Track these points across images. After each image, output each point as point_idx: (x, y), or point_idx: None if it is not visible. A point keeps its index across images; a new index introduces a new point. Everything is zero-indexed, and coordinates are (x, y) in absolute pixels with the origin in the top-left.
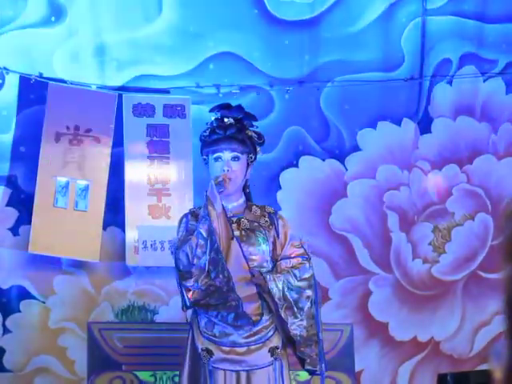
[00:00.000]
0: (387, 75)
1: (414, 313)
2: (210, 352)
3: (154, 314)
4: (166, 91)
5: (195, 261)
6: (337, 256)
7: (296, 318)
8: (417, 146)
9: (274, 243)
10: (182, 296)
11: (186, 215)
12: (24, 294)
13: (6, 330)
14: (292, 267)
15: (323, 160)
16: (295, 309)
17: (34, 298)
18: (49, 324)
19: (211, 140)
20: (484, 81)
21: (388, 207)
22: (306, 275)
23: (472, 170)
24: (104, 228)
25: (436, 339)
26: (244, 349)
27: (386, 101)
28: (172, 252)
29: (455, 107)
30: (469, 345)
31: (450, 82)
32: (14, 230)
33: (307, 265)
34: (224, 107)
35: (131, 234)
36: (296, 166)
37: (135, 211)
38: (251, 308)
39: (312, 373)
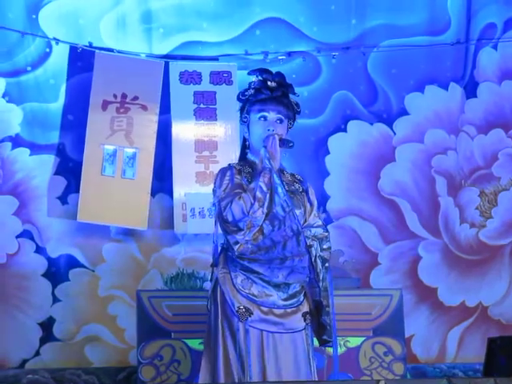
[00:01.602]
0: (434, 39)
1: (463, 278)
2: (248, 311)
3: (204, 281)
4: (214, 58)
5: (251, 213)
6: (386, 220)
7: (319, 285)
8: (463, 111)
9: (305, 209)
10: (216, 253)
11: (230, 168)
12: (73, 263)
13: (55, 299)
14: (314, 236)
15: (371, 124)
16: (320, 276)
17: (83, 266)
18: (98, 292)
19: (257, 99)
20: None
21: (436, 171)
22: (327, 246)
23: None
24: (152, 195)
25: (484, 304)
26: (281, 311)
27: (433, 65)
28: (214, 204)
29: (500, 71)
30: None
31: (495, 47)
32: (63, 199)
33: (328, 236)
34: (266, 71)
35: (179, 202)
36: (344, 130)
37: (183, 178)
38: None
39: (325, 343)
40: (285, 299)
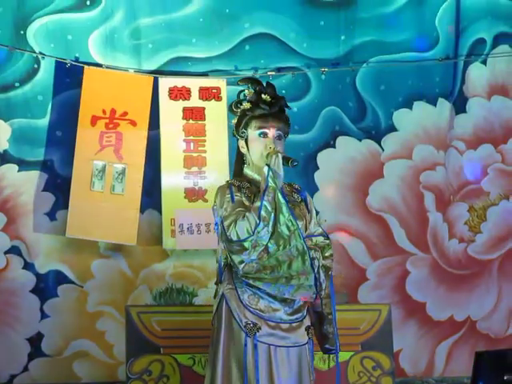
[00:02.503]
0: (422, 55)
1: (451, 292)
2: (256, 326)
3: (193, 296)
4: (203, 74)
5: (256, 233)
6: (374, 236)
7: (321, 296)
8: (452, 126)
9: (305, 219)
10: (220, 270)
11: (229, 186)
12: (62, 279)
13: (44, 315)
14: (315, 245)
15: (360, 140)
16: (323, 285)
17: (71, 282)
18: (87, 308)
19: (256, 115)
20: None
21: (424, 187)
22: (329, 253)
23: (507, 150)
24: (141, 211)
25: (473, 318)
26: (287, 325)
27: (422, 81)
28: (216, 223)
29: (490, 87)
30: (505, 324)
31: (484, 62)
32: (51, 215)
33: (330, 243)
34: (257, 82)
35: (168, 218)
36: (333, 146)
37: (172, 194)
38: None
39: (328, 351)
40: (290, 314)
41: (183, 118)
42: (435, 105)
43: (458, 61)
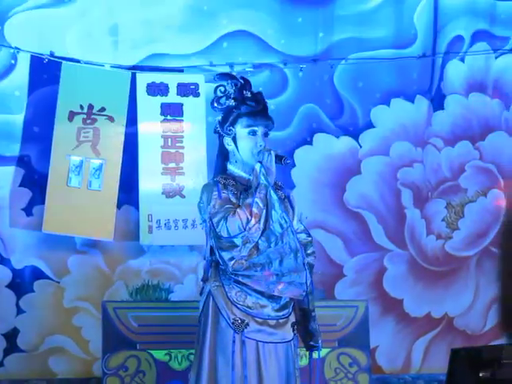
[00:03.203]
0: (400, 52)
1: (428, 289)
2: (244, 322)
3: (169, 292)
4: (180, 70)
5: (247, 229)
6: (351, 233)
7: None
8: (430, 123)
9: (290, 216)
10: (208, 267)
11: (215, 183)
12: (38, 274)
13: (20, 310)
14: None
15: (337, 137)
16: (308, 282)
17: (48, 277)
18: (63, 304)
19: (244, 112)
20: (496, 58)
21: (402, 184)
22: (311, 251)
23: (484, 147)
24: (118, 207)
25: (450, 315)
26: (274, 322)
27: (399, 78)
28: (205, 220)
29: (468, 84)
30: (482, 321)
31: (462, 59)
32: (28, 211)
33: (311, 241)
34: (235, 78)
35: (145, 213)
36: (310, 143)
37: (149, 190)
38: None
39: (311, 348)
40: (277, 310)
41: (161, 114)
42: (413, 102)
43: (436, 58)
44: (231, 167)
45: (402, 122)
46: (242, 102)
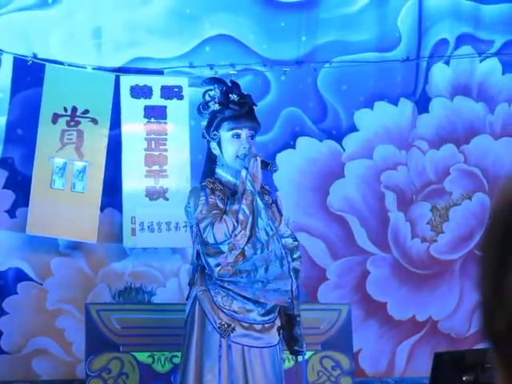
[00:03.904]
0: (384, 56)
1: (413, 292)
2: (230, 327)
3: (152, 295)
4: (159, 72)
5: (233, 236)
6: (334, 236)
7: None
8: (415, 126)
9: (277, 221)
10: (194, 271)
11: (203, 188)
12: (21, 276)
13: (3, 312)
14: (285, 247)
15: (320, 141)
16: (294, 287)
17: (31, 279)
18: (46, 306)
19: (227, 116)
20: (481, 61)
21: (385, 187)
22: (297, 255)
23: (469, 150)
24: (101, 209)
25: (434, 318)
26: (260, 326)
27: (383, 81)
28: (191, 225)
29: (452, 87)
30: (466, 324)
31: (447, 63)
32: (11, 213)
33: (298, 245)
34: (222, 82)
35: (128, 216)
36: (293, 147)
37: (133, 192)
38: None
39: (295, 353)
40: (263, 314)
41: (144, 117)
42: (397, 105)
43: (421, 61)
44: (219, 171)
45: (385, 125)
46: (226, 106)
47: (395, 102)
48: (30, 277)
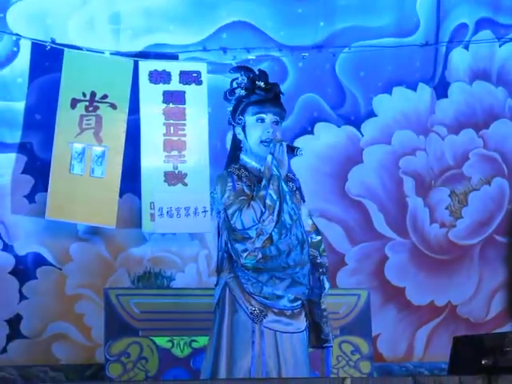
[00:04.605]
0: (402, 41)
1: (431, 277)
2: (262, 312)
3: (171, 280)
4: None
5: (261, 222)
6: (353, 222)
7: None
8: (433, 111)
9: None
10: (222, 258)
11: (230, 174)
12: (40, 261)
13: (22, 297)
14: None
15: (339, 126)
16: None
17: (50, 264)
18: (65, 291)
19: (253, 101)
20: (500, 45)
21: (404, 172)
22: (322, 249)
23: (488, 135)
24: (120, 195)
25: (453, 303)
26: (290, 312)
27: (402, 66)
28: (219, 211)
29: (472, 72)
30: (485, 309)
31: (466, 47)
32: (30, 198)
33: (321, 239)
34: (249, 69)
35: (147, 201)
36: (311, 132)
37: (151, 178)
38: None
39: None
40: (292, 300)
41: (163, 102)
42: (415, 90)
43: (440, 46)
44: (243, 157)
45: (404, 110)
46: (252, 92)
47: (414, 88)
48: (49, 262)
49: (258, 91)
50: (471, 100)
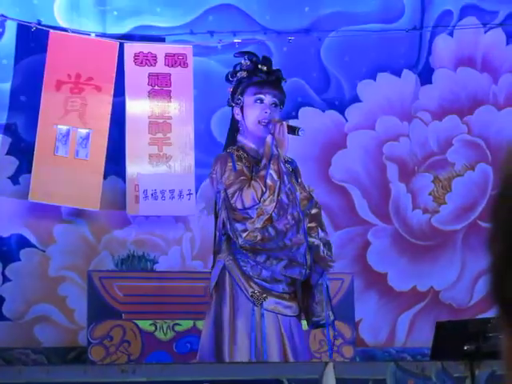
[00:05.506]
0: (387, 27)
1: (414, 263)
2: (262, 295)
3: (154, 263)
4: (161, 39)
5: (262, 201)
6: (336, 207)
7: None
8: (417, 97)
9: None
10: (220, 240)
11: (230, 155)
12: (24, 243)
13: (5, 279)
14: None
15: (323, 111)
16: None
17: (33, 246)
18: (49, 273)
19: (252, 82)
20: (485, 32)
21: (387, 158)
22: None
23: (472, 121)
24: (104, 177)
25: (436, 289)
26: (288, 295)
27: (386, 52)
28: (219, 191)
29: (456, 58)
30: (468, 294)
31: (451, 33)
32: (14, 179)
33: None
34: (253, 54)
35: (132, 183)
36: (296, 117)
37: (136, 160)
38: None
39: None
40: (290, 284)
41: (149, 84)
42: (400, 76)
43: (424, 32)
44: (241, 138)
45: (388, 96)
46: (253, 73)
47: (398, 74)
48: (32, 243)
49: (259, 73)
50: (455, 86)
